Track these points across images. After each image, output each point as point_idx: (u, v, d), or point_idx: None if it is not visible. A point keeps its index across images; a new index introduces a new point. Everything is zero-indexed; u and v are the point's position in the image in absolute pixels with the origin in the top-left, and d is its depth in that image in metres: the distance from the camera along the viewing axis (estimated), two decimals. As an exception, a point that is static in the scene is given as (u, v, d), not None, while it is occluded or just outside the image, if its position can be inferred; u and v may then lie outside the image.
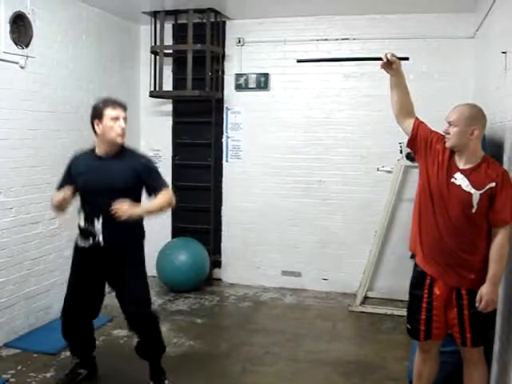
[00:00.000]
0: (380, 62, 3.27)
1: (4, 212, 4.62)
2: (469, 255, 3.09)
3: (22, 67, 4.75)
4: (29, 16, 4.75)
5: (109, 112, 3.60)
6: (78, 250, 3.87)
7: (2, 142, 4.57)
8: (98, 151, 3.72)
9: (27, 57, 4.78)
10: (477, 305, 3.03)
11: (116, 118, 3.62)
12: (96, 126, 3.64)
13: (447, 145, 3.13)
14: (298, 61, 4.05)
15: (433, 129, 3.32)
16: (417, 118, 3.33)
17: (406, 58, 3.31)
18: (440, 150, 3.17)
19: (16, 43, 4.65)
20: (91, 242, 3.73)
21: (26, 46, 4.77)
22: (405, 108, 3.33)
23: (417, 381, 3.45)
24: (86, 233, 3.74)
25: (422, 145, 3.25)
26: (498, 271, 3.03)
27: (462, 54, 5.80)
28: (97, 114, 3.63)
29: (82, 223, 3.75)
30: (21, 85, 4.76)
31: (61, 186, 3.71)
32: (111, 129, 3.60)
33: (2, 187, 4.60)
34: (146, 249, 6.99)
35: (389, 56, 3.23)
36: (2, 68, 4.53)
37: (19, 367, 4.27)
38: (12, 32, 4.59)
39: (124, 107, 3.71)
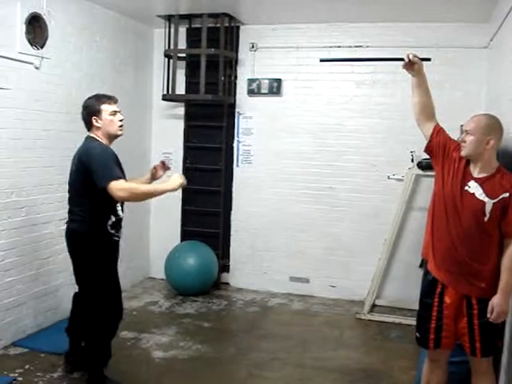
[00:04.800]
0: (402, 63, 3.30)
1: (15, 211, 4.65)
2: (480, 264, 3.08)
3: (36, 68, 4.78)
4: (44, 17, 4.78)
5: (106, 107, 3.77)
6: (112, 244, 3.87)
7: (15, 142, 4.60)
8: (106, 144, 3.82)
9: (42, 57, 4.82)
10: (488, 315, 3.03)
11: (114, 112, 3.79)
12: (95, 122, 3.76)
13: (462, 153, 3.13)
14: (321, 60, 4.08)
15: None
16: (437, 124, 3.32)
17: (428, 59, 3.36)
18: (456, 158, 3.18)
19: (31, 44, 4.69)
20: (121, 231, 3.91)
21: (42, 47, 4.81)
22: (426, 110, 3.33)
23: (424, 390, 3.44)
24: (120, 222, 3.88)
25: (440, 151, 3.25)
26: (510, 282, 3.02)
27: (475, 63, 5.79)
28: (94, 111, 3.76)
29: (121, 212, 3.88)
30: (35, 85, 4.80)
31: (121, 175, 3.66)
32: (112, 123, 3.78)
33: (14, 187, 4.63)
34: (154, 251, 7.08)
35: (411, 56, 3.26)
36: (17, 68, 4.57)
37: (27, 366, 4.28)
38: (28, 33, 4.62)
39: (117, 101, 3.87)
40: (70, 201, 3.85)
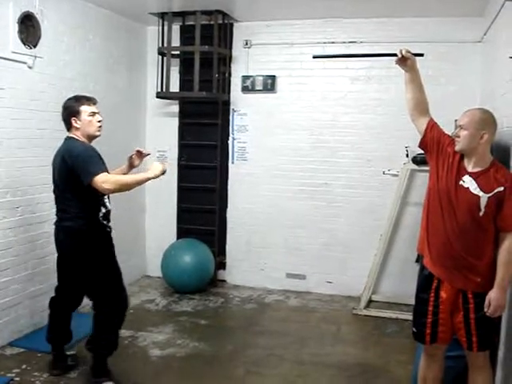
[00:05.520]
0: (395, 58, 3.30)
1: (11, 211, 4.64)
2: (475, 259, 3.09)
3: (29, 67, 4.77)
4: (37, 16, 4.77)
5: (85, 108, 3.84)
6: (106, 234, 3.96)
7: (9, 142, 4.59)
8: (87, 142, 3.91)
9: (35, 57, 4.80)
10: (485, 309, 3.03)
11: (93, 113, 3.86)
12: (74, 123, 3.83)
13: (456, 148, 3.14)
14: (314, 56, 4.07)
15: (441, 132, 3.33)
16: (431, 119, 3.33)
17: (421, 55, 3.36)
18: (450, 153, 3.18)
19: (24, 43, 4.67)
20: (110, 222, 3.99)
21: (34, 46, 4.79)
22: (420, 105, 3.33)
23: (421, 385, 3.45)
24: (109, 214, 3.97)
25: (434, 146, 3.26)
26: (507, 276, 3.03)
27: (469, 58, 5.79)
28: (73, 111, 3.83)
29: (109, 204, 3.97)
30: (29, 84, 4.78)
31: (103, 169, 3.72)
32: (90, 123, 3.86)
33: (9, 187, 4.62)
34: (151, 249, 7.07)
35: (403, 52, 3.26)
36: (10, 68, 4.55)
37: (23, 366, 4.28)
38: (20, 32, 4.61)
39: (96, 102, 3.96)
40: (59, 200, 3.92)
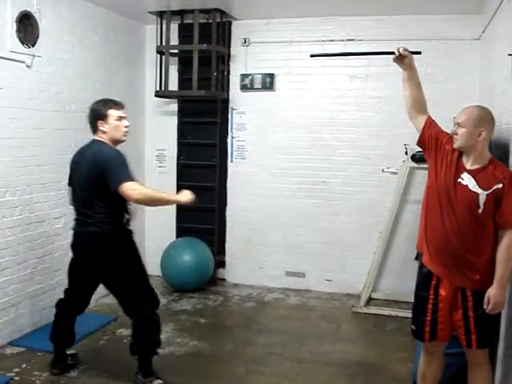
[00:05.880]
0: (392, 56, 3.30)
1: (9, 211, 4.64)
2: (474, 256, 3.09)
3: (28, 66, 4.76)
4: (35, 15, 4.76)
5: (113, 112, 3.84)
6: (129, 237, 3.96)
7: (7, 141, 4.58)
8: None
9: (33, 56, 4.80)
10: (485, 307, 3.03)
11: (120, 118, 3.86)
12: (101, 126, 3.83)
13: (455, 145, 3.14)
14: (312, 55, 4.07)
15: (440, 130, 3.33)
16: (429, 116, 3.32)
17: (419, 53, 3.37)
18: (449, 151, 3.18)
19: (22, 42, 4.66)
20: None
21: (33, 46, 4.78)
22: (417, 103, 3.33)
23: (421, 383, 3.44)
24: (130, 219, 3.99)
25: (432, 144, 3.26)
26: (506, 273, 3.03)
27: (468, 55, 5.79)
28: (101, 115, 3.83)
29: (132, 208, 4.00)
30: (27, 84, 4.78)
31: (133, 177, 3.74)
32: (117, 128, 3.85)
33: (8, 186, 4.61)
34: (150, 248, 7.06)
35: (401, 50, 3.26)
36: (8, 67, 4.54)
37: (24, 365, 4.28)
38: (18, 31, 4.60)
39: (124, 107, 3.95)
40: (80, 204, 3.85)
